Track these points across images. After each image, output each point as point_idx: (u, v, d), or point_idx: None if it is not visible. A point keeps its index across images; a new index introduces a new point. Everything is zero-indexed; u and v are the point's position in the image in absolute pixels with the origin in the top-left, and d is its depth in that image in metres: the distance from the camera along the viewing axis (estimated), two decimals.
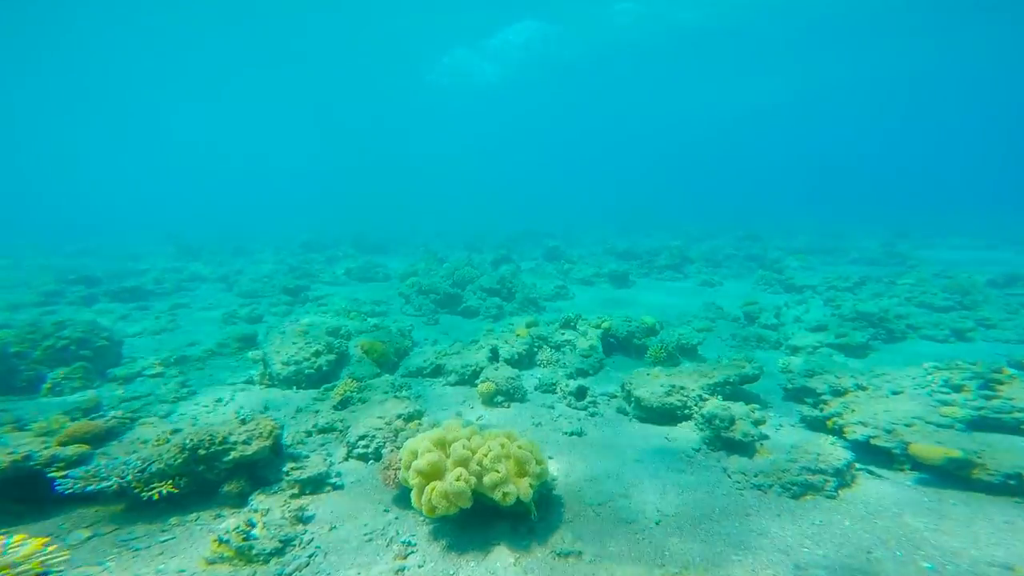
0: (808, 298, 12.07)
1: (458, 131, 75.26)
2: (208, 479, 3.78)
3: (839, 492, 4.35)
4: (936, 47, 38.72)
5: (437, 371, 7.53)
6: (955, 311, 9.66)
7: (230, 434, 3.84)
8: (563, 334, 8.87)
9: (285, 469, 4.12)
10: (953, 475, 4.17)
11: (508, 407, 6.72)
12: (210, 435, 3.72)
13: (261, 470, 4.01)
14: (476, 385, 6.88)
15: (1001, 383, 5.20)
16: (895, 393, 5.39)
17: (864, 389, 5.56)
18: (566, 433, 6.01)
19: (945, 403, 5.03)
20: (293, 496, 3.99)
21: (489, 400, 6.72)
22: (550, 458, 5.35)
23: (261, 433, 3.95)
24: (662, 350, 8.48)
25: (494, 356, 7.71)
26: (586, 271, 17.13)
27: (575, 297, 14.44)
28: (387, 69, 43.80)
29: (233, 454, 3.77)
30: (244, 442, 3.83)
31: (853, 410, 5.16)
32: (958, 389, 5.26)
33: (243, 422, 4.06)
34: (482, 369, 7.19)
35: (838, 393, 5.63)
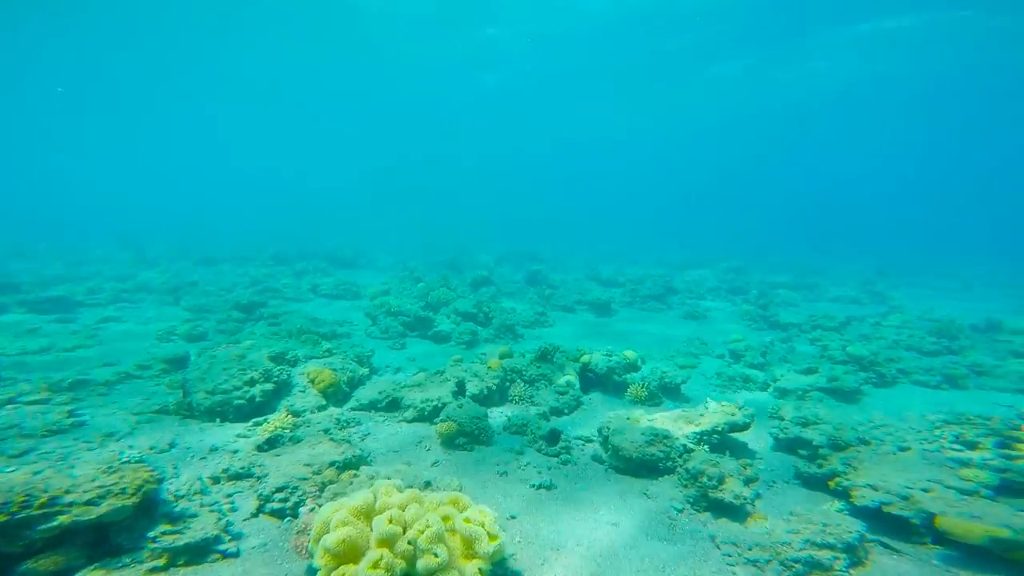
0: (793, 336, 11.68)
1: (451, 144, 75.77)
2: (7, 553, 2.80)
3: (851, 572, 3.67)
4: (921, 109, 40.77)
5: (393, 405, 6.70)
6: (944, 355, 9.34)
7: (70, 489, 2.95)
8: (538, 367, 8.15)
9: (153, 533, 3.22)
10: (991, 555, 3.56)
11: (470, 451, 5.91)
12: (26, 494, 2.83)
13: (117, 536, 3.10)
14: (436, 423, 6.07)
15: (1020, 440, 4.67)
16: (902, 449, 4.81)
17: (867, 443, 4.97)
18: (533, 486, 5.23)
19: (962, 462, 4.46)
20: (154, 571, 3.09)
21: (449, 442, 5.90)
22: (512, 518, 4.56)
23: (125, 488, 3.08)
24: (643, 389, 7.82)
25: (460, 390, 6.92)
26: (568, 298, 16.58)
27: (555, 325, 13.80)
28: (379, 76, 43.83)
29: (62, 518, 2.86)
30: (89, 501, 2.94)
31: (857, 469, 4.55)
32: (972, 446, 4.72)
33: (109, 471, 3.18)
34: (445, 405, 6.39)
35: (838, 447, 5.03)
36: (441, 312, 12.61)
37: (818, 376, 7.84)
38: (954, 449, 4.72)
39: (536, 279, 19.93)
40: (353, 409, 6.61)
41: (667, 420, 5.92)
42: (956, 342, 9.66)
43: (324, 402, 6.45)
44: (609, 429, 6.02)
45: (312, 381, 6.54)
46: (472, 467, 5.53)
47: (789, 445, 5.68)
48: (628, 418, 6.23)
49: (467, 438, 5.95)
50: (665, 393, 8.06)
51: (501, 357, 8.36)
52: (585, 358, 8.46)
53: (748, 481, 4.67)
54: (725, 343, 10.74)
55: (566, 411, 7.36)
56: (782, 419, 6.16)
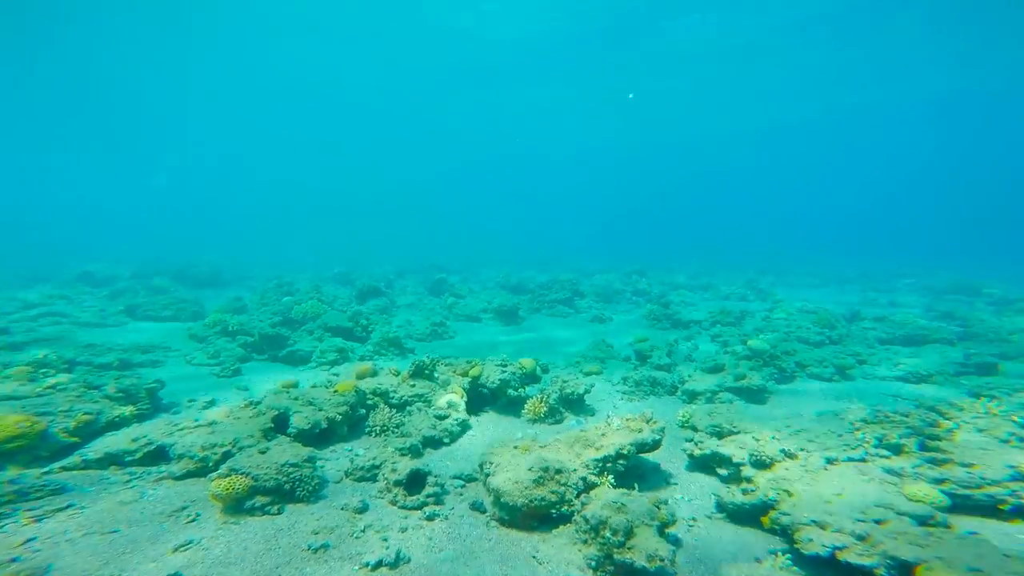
0: (695, 334, 11.38)
1: (365, 155, 70.84)
2: None
3: None
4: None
5: (155, 456, 4.34)
6: (827, 346, 9.48)
7: None
8: (411, 386, 6.30)
9: None
10: None
11: (276, 515, 3.86)
12: None
13: None
14: (218, 478, 3.89)
15: (939, 438, 4.00)
16: (830, 462, 3.90)
17: (792, 458, 4.00)
18: (369, 566, 3.38)
19: (894, 472, 3.61)
20: None
21: (235, 506, 3.79)
22: None
23: None
24: (542, 403, 6.40)
25: (278, 426, 4.80)
26: (474, 306, 14.98)
27: (456, 336, 12.05)
28: (271, 73, 39.07)
29: None
30: None
31: (790, 493, 3.48)
32: (897, 450, 3.96)
33: None
34: (242, 449, 4.24)
35: (762, 464, 4.00)
36: (303, 328, 10.12)
37: (725, 375, 7.15)
38: (880, 456, 3.94)
39: (440, 289, 18.06)
40: (64, 469, 4.12)
41: (562, 446, 4.48)
42: (835, 331, 9.97)
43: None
44: (491, 465, 4.41)
45: None
46: (263, 545, 3.49)
47: (705, 463, 4.58)
48: (516, 446, 4.69)
49: (271, 496, 3.88)
50: (567, 406, 6.74)
51: (359, 376, 6.36)
52: (475, 371, 6.83)
53: (663, 527, 3.33)
54: (631, 344, 9.92)
55: (446, 440, 5.62)
56: (695, 429, 5.10)
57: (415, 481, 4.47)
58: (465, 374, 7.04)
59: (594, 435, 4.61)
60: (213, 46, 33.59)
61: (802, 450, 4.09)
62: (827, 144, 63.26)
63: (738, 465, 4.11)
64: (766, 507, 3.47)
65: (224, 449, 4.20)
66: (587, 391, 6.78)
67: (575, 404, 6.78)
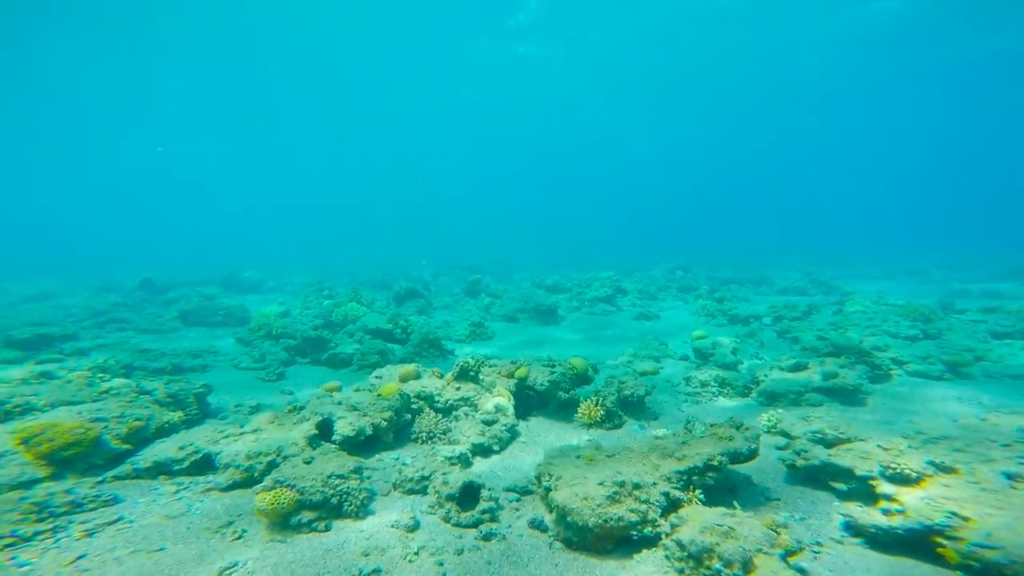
0: (757, 330, 10.37)
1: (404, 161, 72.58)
2: None
3: None
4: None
5: (202, 465, 4.11)
6: (923, 341, 8.28)
7: None
8: (457, 389, 5.89)
9: None
10: None
11: (323, 531, 3.51)
12: None
13: None
14: (262, 491, 3.59)
15: None
16: (1011, 477, 3.10)
17: (950, 472, 3.22)
18: None
19: None
20: None
21: (281, 522, 3.47)
22: None
23: None
24: (598, 406, 5.82)
25: (322, 433, 4.49)
26: (510, 306, 14.53)
27: (494, 337, 11.63)
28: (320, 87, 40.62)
29: None
30: None
31: (967, 518, 2.74)
32: None
33: None
34: (288, 458, 3.93)
35: (904, 479, 3.24)
36: (344, 331, 10.00)
37: (811, 373, 6.28)
38: None
39: (476, 289, 17.76)
40: (116, 478, 3.95)
41: (635, 456, 3.89)
42: (931, 324, 8.73)
43: (42, 474, 3.75)
44: (551, 477, 3.89)
45: (28, 441, 3.82)
46: (311, 568, 3.13)
47: (813, 475, 3.85)
48: (580, 455, 4.15)
49: (318, 512, 3.53)
50: (627, 409, 6.11)
51: (403, 379, 6.02)
52: (521, 372, 6.34)
53: (787, 555, 2.69)
54: (688, 341, 9.13)
55: (496, 448, 5.15)
56: (788, 436, 4.36)
57: (468, 495, 4.02)
58: (511, 376, 6.56)
59: (668, 442, 3.99)
60: (250, 52, 34.83)
61: (958, 464, 3.30)
62: (856, 136, 58.62)
63: (864, 479, 3.38)
64: (929, 533, 2.75)
65: (269, 458, 3.91)
66: (648, 392, 6.13)
67: (635, 407, 6.15)
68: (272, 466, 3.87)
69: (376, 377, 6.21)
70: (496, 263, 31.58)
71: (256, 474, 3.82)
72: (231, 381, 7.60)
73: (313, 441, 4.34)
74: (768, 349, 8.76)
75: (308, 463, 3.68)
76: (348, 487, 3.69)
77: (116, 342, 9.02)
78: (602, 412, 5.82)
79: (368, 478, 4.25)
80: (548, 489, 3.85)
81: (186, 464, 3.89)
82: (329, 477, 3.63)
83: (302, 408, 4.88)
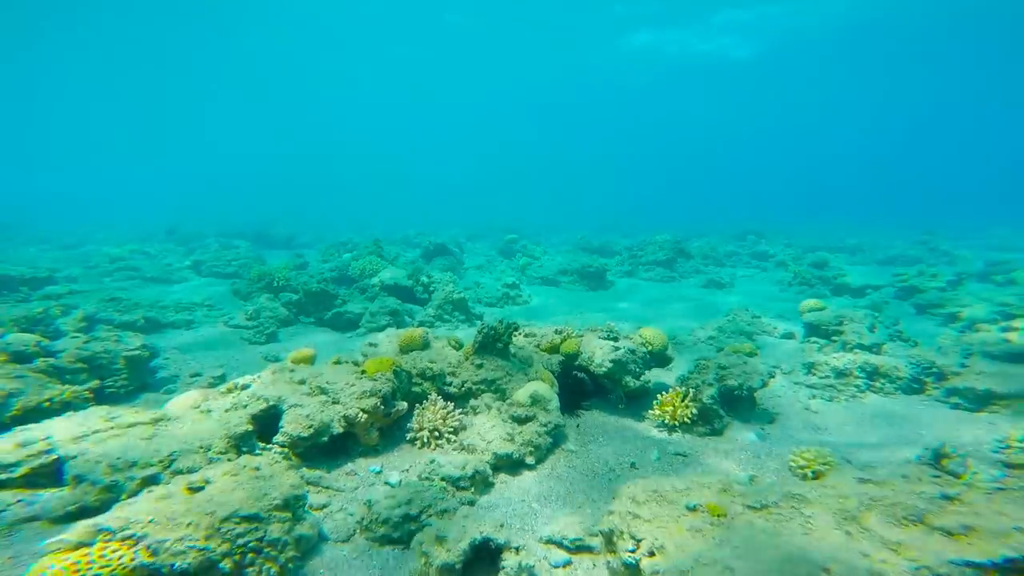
0: (881, 303, 7.82)
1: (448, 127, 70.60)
2: None
3: None
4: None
5: (50, 475, 2.57)
6: None
7: None
8: (478, 367, 4.11)
9: None
10: None
11: None
12: None
13: None
14: (66, 548, 1.97)
15: None
16: None
17: None
18: None
19: None
20: None
21: None
22: None
23: None
24: (687, 402, 3.86)
25: (263, 428, 2.87)
26: (550, 267, 12.56)
27: (531, 301, 9.80)
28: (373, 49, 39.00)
29: None
30: None
31: None
32: None
33: None
34: (182, 473, 2.31)
35: None
36: (357, 287, 8.48)
37: None
38: None
39: (512, 250, 15.86)
40: None
41: (822, 510, 1.94)
42: None
43: None
44: (642, 543, 2.05)
45: None
46: None
47: None
48: (693, 503, 2.26)
49: None
50: (731, 407, 4.12)
51: (404, 348, 4.31)
52: (569, 345, 4.46)
53: None
54: (783, 315, 6.86)
55: (530, 462, 3.38)
56: None
57: (481, 557, 2.28)
58: (555, 349, 4.71)
59: (911, 493, 2.00)
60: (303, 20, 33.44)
61: None
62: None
63: None
64: None
65: (149, 472, 2.32)
66: (765, 383, 4.08)
67: (742, 403, 4.14)
68: (151, 483, 2.28)
69: (370, 344, 4.53)
70: (534, 227, 29.36)
71: (124, 495, 2.26)
72: (210, 340, 6.28)
73: (244, 441, 2.73)
74: (909, 326, 6.33)
75: (196, 490, 2.03)
76: (264, 537, 2.02)
77: (96, 289, 8.00)
78: (694, 410, 3.87)
79: (323, 508, 2.60)
80: (633, 565, 2.03)
81: (20, 472, 2.39)
82: (227, 519, 1.95)
83: (247, 387, 3.28)
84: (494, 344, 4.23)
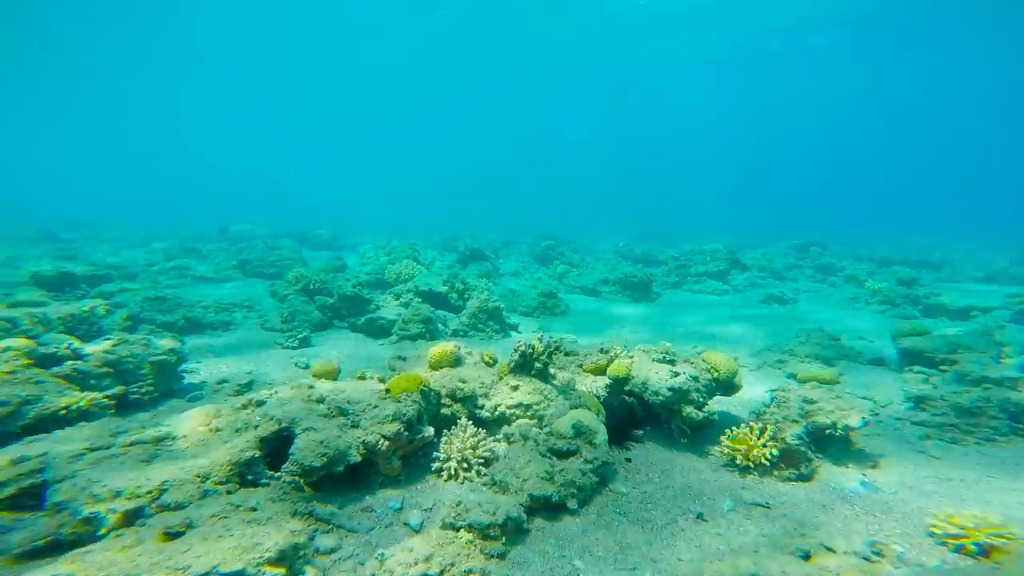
0: (994, 328, 6.61)
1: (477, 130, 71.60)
2: None
3: None
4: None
5: (37, 498, 2.36)
6: None
7: None
8: (514, 389, 3.64)
9: None
10: None
11: None
12: None
13: None
14: None
15: None
16: None
17: None
18: None
19: None
20: None
21: None
22: None
23: None
24: (765, 442, 3.20)
25: (275, 453, 2.54)
26: (590, 276, 11.94)
27: (568, 312, 9.24)
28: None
29: None
30: None
31: None
32: None
33: None
34: (171, 509, 1.99)
35: None
36: (392, 291, 8.29)
37: None
38: None
39: (549, 256, 15.35)
40: None
41: None
42: None
43: None
44: None
45: None
46: None
47: None
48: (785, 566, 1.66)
49: None
50: (819, 447, 3.40)
51: (434, 365, 3.91)
52: (619, 368, 3.90)
53: None
54: (868, 336, 5.89)
55: (572, 504, 2.85)
56: None
57: None
58: (601, 371, 4.16)
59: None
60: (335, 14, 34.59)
61: None
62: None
63: None
64: None
65: (134, 504, 2.02)
66: (865, 423, 3.33)
67: (836, 445, 3.41)
68: (133, 519, 1.97)
69: (398, 358, 4.19)
70: (572, 234, 28.68)
71: (104, 529, 1.96)
72: (244, 343, 6.22)
73: (249, 469, 2.40)
74: None
75: (173, 536, 1.69)
76: None
77: (146, 287, 8.26)
78: (774, 450, 3.20)
79: (330, 554, 2.21)
80: None
81: (9, 491, 2.17)
82: None
83: (263, 403, 2.99)
84: (532, 364, 3.74)
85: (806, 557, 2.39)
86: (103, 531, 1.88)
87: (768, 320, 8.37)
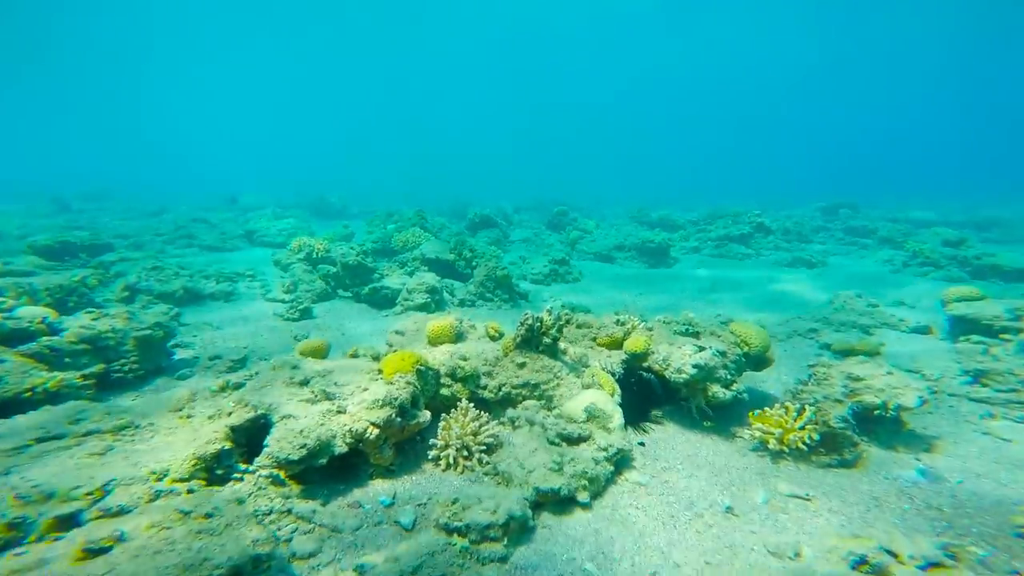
0: None
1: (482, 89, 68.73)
2: None
3: None
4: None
5: None
6: None
7: None
8: (520, 366, 3.29)
9: None
10: None
11: None
12: None
13: None
14: None
15: None
16: None
17: None
18: None
19: None
20: None
21: None
22: None
23: None
24: (801, 424, 2.81)
25: (251, 443, 2.27)
26: (604, 242, 11.38)
27: (582, 279, 8.80)
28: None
29: None
30: None
31: None
32: None
33: None
34: (122, 513, 1.72)
35: None
36: (397, 259, 7.94)
37: None
38: None
39: (561, 223, 14.73)
40: None
41: None
42: None
43: None
44: None
45: None
46: None
47: None
48: None
49: None
50: (864, 428, 3.01)
51: (433, 340, 3.58)
52: (636, 343, 3.51)
53: None
54: (909, 302, 5.34)
55: (582, 497, 2.54)
56: None
57: None
58: (616, 344, 3.79)
59: None
60: None
61: None
62: None
63: None
64: None
65: (70, 508, 1.77)
66: (922, 402, 2.91)
67: (884, 426, 3.01)
68: (68, 524, 1.71)
69: (396, 332, 3.86)
70: (586, 200, 27.62)
71: (32, 537, 1.71)
72: (246, 316, 5.99)
73: (219, 462, 2.12)
74: None
75: (97, 552, 1.41)
76: None
77: (149, 256, 8.08)
78: (813, 433, 2.82)
79: (309, 558, 1.95)
80: None
81: None
82: None
83: (241, 386, 2.70)
84: (540, 339, 3.37)
85: (861, 563, 2.04)
86: (31, 539, 1.63)
87: (796, 286, 7.80)
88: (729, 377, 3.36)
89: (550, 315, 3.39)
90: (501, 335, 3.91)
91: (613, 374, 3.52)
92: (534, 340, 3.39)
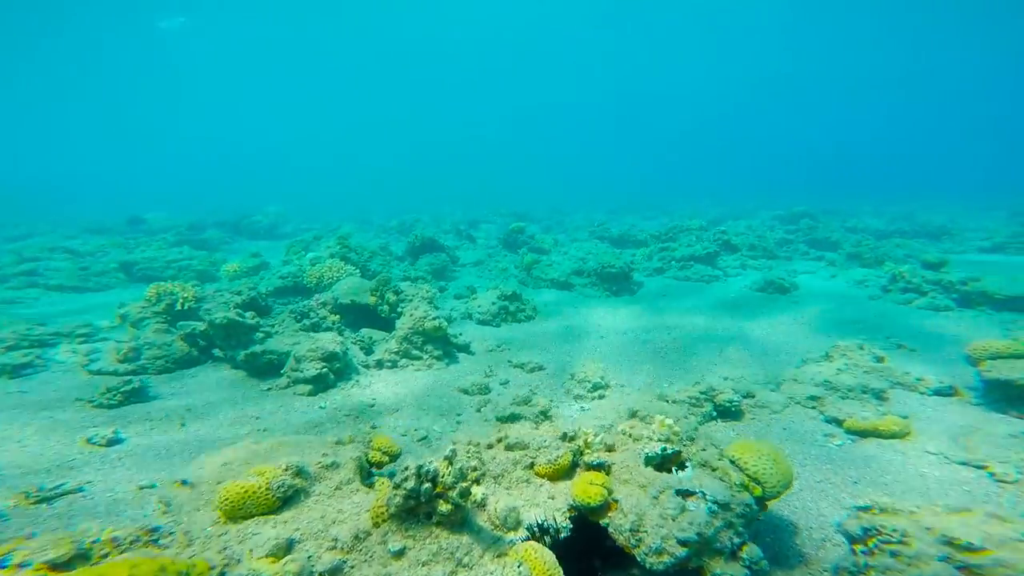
0: None
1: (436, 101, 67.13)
2: None
3: None
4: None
5: None
6: None
7: None
8: (395, 556, 1.87)
9: None
10: None
11: None
12: None
13: None
14: None
15: None
16: None
17: None
18: None
19: None
20: None
21: None
22: None
23: None
24: None
25: None
26: (563, 266, 10.21)
27: (536, 316, 7.51)
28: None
29: None
30: None
31: None
32: None
33: None
34: None
35: None
36: (302, 306, 6.29)
37: None
38: None
39: (517, 241, 13.47)
40: None
41: None
42: None
43: None
44: None
45: None
46: None
47: None
48: None
49: None
50: None
51: (230, 513, 2.07)
52: (587, 490, 2.21)
53: None
54: (908, 342, 4.41)
55: None
56: None
57: None
58: (560, 473, 2.52)
59: None
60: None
61: None
62: None
63: None
64: None
65: None
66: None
67: None
68: None
69: (181, 484, 2.33)
70: (546, 209, 26.66)
71: None
72: (41, 399, 4.21)
73: None
74: None
75: None
76: None
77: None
78: None
79: None
80: None
81: None
82: None
83: None
84: (434, 505, 1.97)
85: None
86: None
87: (775, 320, 6.87)
88: (736, 541, 2.10)
89: (449, 465, 2.00)
90: (391, 458, 2.47)
91: (554, 536, 2.18)
92: (419, 509, 1.98)
